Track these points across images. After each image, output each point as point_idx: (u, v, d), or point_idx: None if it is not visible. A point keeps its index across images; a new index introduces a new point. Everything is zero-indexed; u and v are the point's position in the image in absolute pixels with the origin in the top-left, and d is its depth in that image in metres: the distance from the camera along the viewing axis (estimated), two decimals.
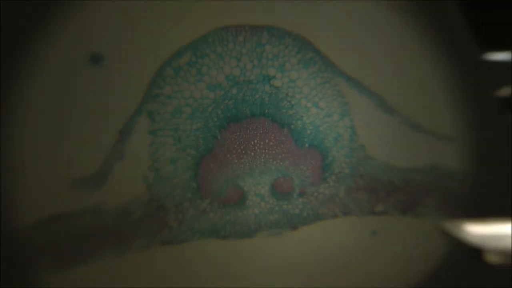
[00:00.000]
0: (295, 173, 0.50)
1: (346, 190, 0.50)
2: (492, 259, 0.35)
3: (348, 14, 0.49)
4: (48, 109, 0.47)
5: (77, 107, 0.47)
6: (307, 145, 0.50)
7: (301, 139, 0.49)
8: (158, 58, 0.48)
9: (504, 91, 0.37)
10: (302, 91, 0.49)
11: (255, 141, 0.49)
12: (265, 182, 0.49)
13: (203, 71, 0.48)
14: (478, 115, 0.51)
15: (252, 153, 0.49)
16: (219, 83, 0.48)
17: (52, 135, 0.47)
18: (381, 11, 0.50)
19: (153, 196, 0.48)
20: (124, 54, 0.47)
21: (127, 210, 0.48)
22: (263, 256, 0.50)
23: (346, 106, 0.50)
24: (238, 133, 0.49)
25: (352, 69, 0.50)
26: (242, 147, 0.49)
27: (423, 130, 0.50)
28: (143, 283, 0.48)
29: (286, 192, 0.50)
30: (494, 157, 0.51)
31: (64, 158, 0.47)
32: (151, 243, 0.49)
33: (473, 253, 0.35)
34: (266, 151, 0.49)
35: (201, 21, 0.48)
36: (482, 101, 0.50)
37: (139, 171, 0.48)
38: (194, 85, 0.48)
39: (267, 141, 0.49)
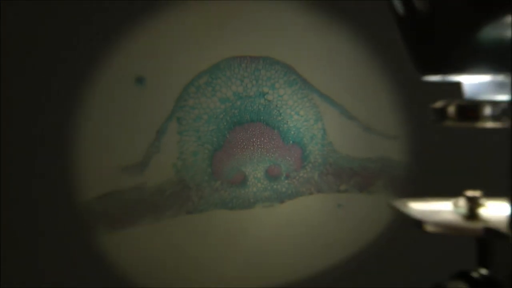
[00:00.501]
0: (283, 162, 0.68)
1: (319, 174, 0.69)
2: (430, 229, 0.41)
3: (320, 45, 0.68)
4: (106, 115, 0.65)
5: (126, 114, 0.65)
6: (291, 142, 0.68)
7: (287, 138, 0.68)
8: (184, 79, 0.66)
9: (438, 104, 0.44)
10: (287, 103, 0.68)
11: (254, 139, 0.67)
12: (261, 168, 0.68)
13: (216, 89, 0.67)
14: (416, 120, 0.70)
15: (252, 148, 0.68)
16: (227, 97, 0.67)
17: (109, 134, 0.65)
18: (345, 43, 0.69)
19: (180, 179, 0.67)
20: (160, 77, 0.66)
21: (161, 189, 0.67)
22: (259, 222, 0.68)
23: (319, 114, 0.68)
24: (241, 133, 0.67)
25: (323, 87, 0.68)
26: (244, 143, 0.67)
27: (374, 131, 0.69)
28: (173, 242, 0.67)
29: (276, 176, 0.68)
30: (427, 151, 0.70)
31: (117, 150, 0.65)
32: (178, 213, 0.67)
33: (415, 224, 0.42)
34: (262, 146, 0.68)
35: (215, 52, 0.66)
36: (420, 109, 0.69)
37: (170, 160, 0.67)
38: (210, 99, 0.67)
39: (262, 139, 0.68)
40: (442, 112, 0.39)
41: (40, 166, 0.65)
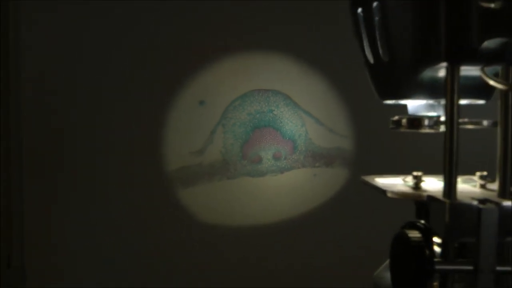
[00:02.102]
0: (282, 150, 1.19)
1: (303, 157, 1.19)
2: (391, 195, 0.53)
3: (304, 83, 1.19)
4: (184, 123, 1.15)
5: (194, 122, 1.15)
6: (287, 138, 1.19)
7: (285, 136, 1.19)
8: (226, 101, 1.16)
9: (395, 117, 0.56)
10: (285, 116, 1.19)
11: (266, 136, 1.18)
12: (270, 153, 1.18)
13: (244, 107, 1.17)
14: (362, 125, 1.21)
15: (265, 142, 1.18)
16: (251, 112, 1.17)
17: (184, 133, 1.15)
18: (320, 82, 1.19)
19: (223, 159, 1.17)
20: (213, 100, 1.16)
21: (212, 165, 1.17)
22: (270, 184, 1.19)
23: (303, 122, 1.19)
24: (259, 133, 1.17)
25: (305, 106, 1.19)
26: (260, 138, 1.18)
27: (334, 132, 1.20)
28: (218, 194, 1.17)
29: (279, 158, 1.19)
30: (373, 143, 1.21)
31: (188, 143, 1.15)
32: (222, 178, 1.17)
33: (381, 192, 0.54)
34: (271, 141, 1.18)
35: (245, 86, 1.17)
36: (364, 118, 1.20)
37: (217, 148, 1.17)
38: (241, 113, 1.17)
39: (271, 136, 1.18)
40: (398, 122, 0.55)
41: (143, 155, 1.15)
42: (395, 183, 0.58)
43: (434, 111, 0.57)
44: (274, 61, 1.17)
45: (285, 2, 1.15)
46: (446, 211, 0.48)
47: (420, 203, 0.56)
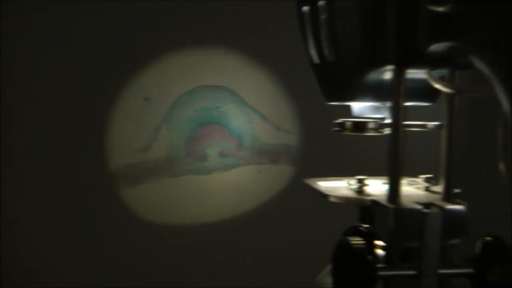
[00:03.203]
0: (229, 147, 1.17)
1: (249, 154, 1.18)
2: (333, 200, 0.52)
3: (251, 80, 1.17)
4: (129, 119, 1.12)
5: (139, 120, 1.12)
6: (234, 135, 1.17)
7: (231, 133, 1.17)
8: (173, 98, 1.14)
9: (339, 120, 0.55)
10: (232, 113, 1.17)
11: (213, 133, 1.16)
12: (216, 150, 1.16)
13: (191, 103, 1.15)
14: (307, 124, 1.21)
15: (211, 139, 1.16)
16: (198, 109, 1.15)
17: (129, 130, 1.12)
18: (267, 78, 1.18)
19: (169, 156, 1.14)
20: (159, 96, 1.13)
21: (158, 162, 1.14)
22: (215, 181, 1.17)
23: (250, 119, 1.18)
24: (205, 130, 1.16)
25: (252, 103, 1.18)
26: (207, 135, 1.16)
27: (281, 129, 1.19)
28: (164, 191, 1.14)
29: (225, 155, 1.17)
30: (319, 140, 1.20)
31: (133, 139, 1.12)
32: (168, 176, 1.15)
33: (323, 196, 0.53)
34: (217, 138, 1.16)
35: (192, 82, 1.14)
36: (310, 118, 1.20)
37: (163, 145, 1.14)
38: (187, 109, 1.15)
39: (217, 133, 1.16)
40: (342, 125, 0.54)
41: (85, 153, 1.11)
42: (338, 186, 0.57)
43: (380, 113, 0.56)
44: (221, 57, 1.15)
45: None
46: (391, 216, 0.47)
47: (365, 208, 0.56)
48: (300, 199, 1.16)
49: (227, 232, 1.17)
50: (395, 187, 0.48)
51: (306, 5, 0.56)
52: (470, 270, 0.48)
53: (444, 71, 0.50)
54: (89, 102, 1.11)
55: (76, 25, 1.10)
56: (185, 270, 1.15)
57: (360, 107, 0.57)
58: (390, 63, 0.48)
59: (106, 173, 1.13)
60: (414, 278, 0.47)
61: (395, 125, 0.48)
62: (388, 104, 0.55)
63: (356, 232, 0.53)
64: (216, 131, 1.16)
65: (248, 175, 1.18)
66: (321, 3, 0.53)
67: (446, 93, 0.49)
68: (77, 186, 1.12)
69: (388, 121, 0.55)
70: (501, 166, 0.40)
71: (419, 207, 0.47)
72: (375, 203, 0.50)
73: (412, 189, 0.55)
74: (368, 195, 0.53)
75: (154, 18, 1.12)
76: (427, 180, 0.55)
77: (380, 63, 0.49)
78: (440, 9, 0.43)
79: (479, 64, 0.41)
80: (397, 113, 0.48)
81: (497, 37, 0.40)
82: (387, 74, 0.52)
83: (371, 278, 0.46)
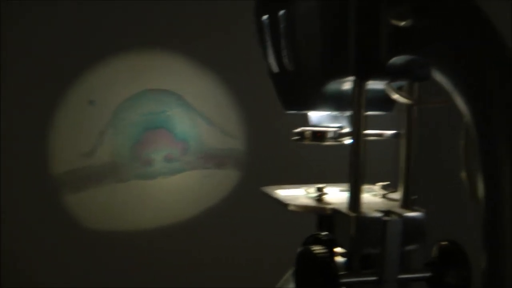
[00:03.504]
0: (174, 151, 1.16)
1: (195, 158, 1.18)
2: (293, 208, 0.52)
3: (197, 85, 1.17)
4: (72, 126, 1.08)
5: (83, 124, 1.09)
6: (179, 140, 1.16)
7: (178, 137, 1.16)
8: (117, 101, 1.12)
9: (298, 129, 0.56)
10: (177, 116, 1.16)
11: (158, 138, 1.15)
12: (162, 155, 1.15)
13: (137, 107, 1.13)
14: (253, 129, 1.21)
15: (156, 143, 1.14)
16: (144, 113, 1.14)
17: (73, 134, 1.09)
18: (214, 84, 1.18)
19: (114, 161, 1.12)
20: (104, 99, 1.11)
21: (103, 167, 1.11)
22: (160, 186, 1.15)
23: (196, 123, 1.17)
24: (151, 134, 1.14)
25: (199, 107, 1.17)
26: (152, 140, 1.14)
27: (226, 133, 1.19)
28: (110, 201, 1.12)
29: (171, 159, 1.16)
30: (265, 144, 1.21)
31: (78, 144, 1.09)
32: (113, 181, 1.12)
33: (283, 205, 0.53)
34: (163, 142, 1.15)
35: (139, 85, 1.12)
36: (253, 123, 1.20)
37: (108, 150, 1.11)
38: (133, 113, 1.13)
39: (163, 138, 1.15)
40: (301, 134, 0.55)
41: (27, 158, 1.07)
42: (297, 194, 0.57)
43: (337, 122, 0.57)
44: (167, 60, 1.14)
45: (181, 2, 1.13)
46: (352, 224, 0.48)
47: (323, 215, 0.57)
48: (247, 202, 1.17)
49: (172, 237, 1.16)
50: (356, 195, 0.49)
51: (265, 14, 0.56)
52: (428, 274, 0.50)
53: (402, 83, 0.51)
54: (30, 104, 1.07)
55: (19, 25, 1.06)
56: (132, 276, 1.13)
57: (318, 116, 0.58)
58: (352, 75, 0.49)
59: (49, 179, 1.09)
60: (375, 284, 0.48)
61: (356, 135, 0.49)
62: (346, 113, 0.57)
63: (316, 240, 0.53)
64: (162, 135, 1.15)
65: (194, 180, 1.18)
66: (281, 12, 0.53)
67: (405, 104, 0.51)
68: (19, 193, 1.08)
69: (346, 130, 0.57)
70: (463, 174, 0.41)
71: (379, 215, 0.49)
72: (335, 212, 0.51)
73: (370, 196, 0.56)
74: (328, 203, 0.53)
75: (100, 20, 1.09)
76: (383, 187, 0.57)
77: (341, 74, 0.50)
78: (402, 23, 0.45)
79: (439, 76, 0.43)
80: (358, 122, 0.49)
81: (457, 51, 0.42)
82: (346, 85, 0.53)
83: (334, 285, 0.47)
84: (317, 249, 0.48)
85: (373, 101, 0.54)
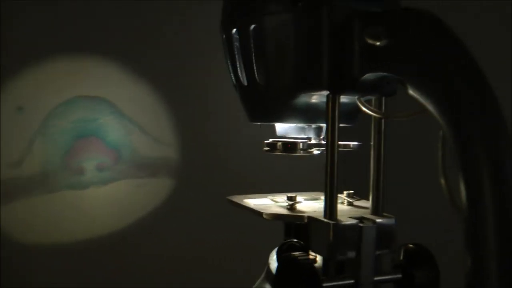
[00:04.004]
0: (107, 160, 1.14)
1: (127, 167, 1.16)
2: (267, 217, 0.54)
3: (129, 92, 1.15)
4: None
5: (10, 133, 1.04)
6: (112, 148, 1.14)
7: (110, 145, 1.14)
8: (47, 109, 1.07)
9: (269, 140, 0.58)
10: (109, 124, 1.14)
11: (90, 146, 1.12)
12: (94, 163, 1.12)
13: (67, 115, 1.09)
14: (193, 132, 1.21)
15: (88, 152, 1.12)
16: (74, 120, 1.10)
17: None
18: (149, 91, 1.16)
19: (44, 170, 1.08)
20: (33, 106, 1.06)
21: (32, 178, 1.07)
22: (92, 196, 1.13)
23: (129, 131, 1.15)
24: (82, 143, 1.11)
25: (132, 115, 1.16)
26: (84, 148, 1.11)
27: (160, 142, 1.19)
28: (40, 213, 1.07)
29: (102, 168, 1.13)
30: (198, 152, 1.21)
31: (4, 154, 1.04)
32: (43, 192, 1.08)
33: (257, 214, 0.55)
34: (94, 151, 1.12)
35: (69, 92, 1.09)
36: (185, 129, 1.20)
37: (38, 160, 1.07)
38: (63, 121, 1.09)
39: (95, 146, 1.12)
40: (273, 146, 0.58)
41: None
42: (266, 203, 0.59)
43: (304, 133, 0.60)
44: (99, 67, 1.12)
45: (114, 8, 1.11)
46: (331, 232, 0.51)
47: (290, 223, 0.60)
48: (180, 212, 1.17)
49: (104, 248, 1.13)
50: (332, 204, 0.52)
51: (234, 28, 0.57)
52: (399, 276, 0.53)
53: (370, 97, 0.55)
54: None
55: None
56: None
57: (284, 127, 0.61)
58: (325, 89, 0.52)
59: None
60: (352, 287, 0.51)
61: (331, 145, 0.52)
62: (314, 125, 0.60)
63: (291, 247, 0.56)
64: (93, 143, 1.12)
65: (127, 189, 1.16)
66: (252, 27, 0.55)
67: (374, 117, 0.54)
68: None
69: (313, 141, 0.59)
70: (441, 181, 0.45)
71: (354, 221, 0.52)
72: (311, 220, 0.53)
73: (338, 204, 0.59)
74: (300, 211, 0.56)
75: (29, 24, 1.05)
76: (348, 195, 0.60)
77: (315, 88, 0.53)
78: (378, 43, 0.48)
79: (412, 91, 0.46)
80: (333, 134, 0.52)
81: (432, 68, 0.46)
82: (315, 98, 0.56)
83: None
84: (301, 255, 0.50)
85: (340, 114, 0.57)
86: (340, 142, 0.58)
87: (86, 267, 1.11)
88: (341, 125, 0.59)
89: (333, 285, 0.51)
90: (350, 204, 0.59)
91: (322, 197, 0.60)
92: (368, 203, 0.57)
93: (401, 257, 0.54)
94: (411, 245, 0.54)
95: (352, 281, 0.51)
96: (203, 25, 1.10)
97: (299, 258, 0.50)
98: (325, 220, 0.52)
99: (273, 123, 0.61)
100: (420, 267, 0.53)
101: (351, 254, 0.51)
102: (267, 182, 1.14)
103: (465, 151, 0.42)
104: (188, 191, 1.19)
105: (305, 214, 0.54)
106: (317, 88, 0.52)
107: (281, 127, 0.61)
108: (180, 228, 1.18)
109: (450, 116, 0.44)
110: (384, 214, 0.54)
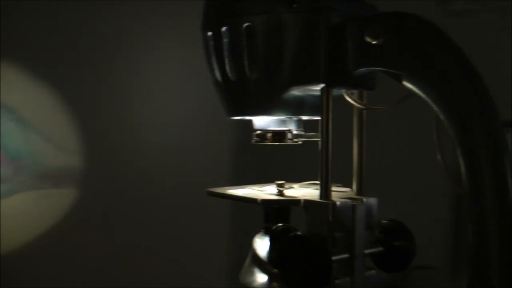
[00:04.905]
0: (6, 171, 1.06)
1: (29, 178, 1.09)
2: (264, 203, 0.58)
3: (30, 93, 1.10)
4: None
5: None
6: (12, 158, 1.07)
7: (10, 155, 1.07)
8: None
9: (259, 131, 0.63)
10: (8, 133, 1.07)
11: None
12: None
13: None
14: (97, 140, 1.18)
15: None
16: None
17: None
18: (46, 89, 1.11)
19: None
20: None
21: None
22: None
23: (31, 140, 1.09)
24: None
25: (33, 122, 1.10)
26: None
27: (65, 150, 1.14)
28: None
29: (2, 180, 1.06)
30: (102, 161, 1.18)
31: None
32: None
33: (253, 201, 0.58)
34: None
35: None
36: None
37: None
38: None
39: None
40: (262, 136, 0.63)
41: None
42: (253, 192, 0.63)
43: (285, 126, 0.65)
44: (1, 71, 1.05)
45: (20, 9, 1.06)
46: (329, 211, 0.56)
47: (270, 209, 0.64)
48: (87, 222, 1.14)
49: (16, 263, 1.06)
50: (327, 187, 0.57)
51: (224, 26, 0.60)
52: (381, 249, 0.60)
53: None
54: None
55: None
56: None
57: (266, 120, 0.65)
58: (322, 83, 0.57)
59: None
60: (347, 260, 0.57)
61: (325, 135, 0.57)
62: (294, 117, 0.65)
63: (286, 229, 0.60)
64: None
65: (29, 201, 1.10)
66: (246, 25, 0.59)
67: (357, 108, 0.61)
68: None
69: (295, 132, 0.65)
70: (438, 157, 0.53)
71: (348, 201, 0.58)
72: (308, 202, 0.58)
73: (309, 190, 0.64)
74: (291, 196, 0.60)
75: None
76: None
77: (312, 82, 0.58)
78: (375, 42, 0.55)
79: (409, 85, 0.54)
80: (326, 126, 0.57)
81: (424, 63, 0.53)
82: (301, 91, 0.61)
83: (329, 264, 0.54)
84: (308, 234, 0.55)
85: (313, 106, 0.63)
86: (307, 133, 0.64)
87: None
88: (313, 117, 0.65)
89: (335, 260, 0.56)
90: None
91: (298, 186, 0.65)
92: (345, 189, 0.63)
93: (380, 232, 0.61)
94: (387, 221, 0.61)
95: (346, 255, 0.57)
96: (107, 27, 1.09)
97: (309, 236, 0.55)
98: (324, 201, 0.57)
99: (251, 117, 0.64)
100: (398, 239, 0.60)
101: (347, 230, 0.57)
102: (179, 184, 1.15)
103: (462, 129, 0.50)
104: (94, 200, 1.15)
105: (301, 198, 0.59)
106: (314, 82, 0.57)
107: (262, 120, 0.65)
108: (88, 239, 1.14)
109: (444, 102, 0.51)
110: (369, 194, 0.61)
